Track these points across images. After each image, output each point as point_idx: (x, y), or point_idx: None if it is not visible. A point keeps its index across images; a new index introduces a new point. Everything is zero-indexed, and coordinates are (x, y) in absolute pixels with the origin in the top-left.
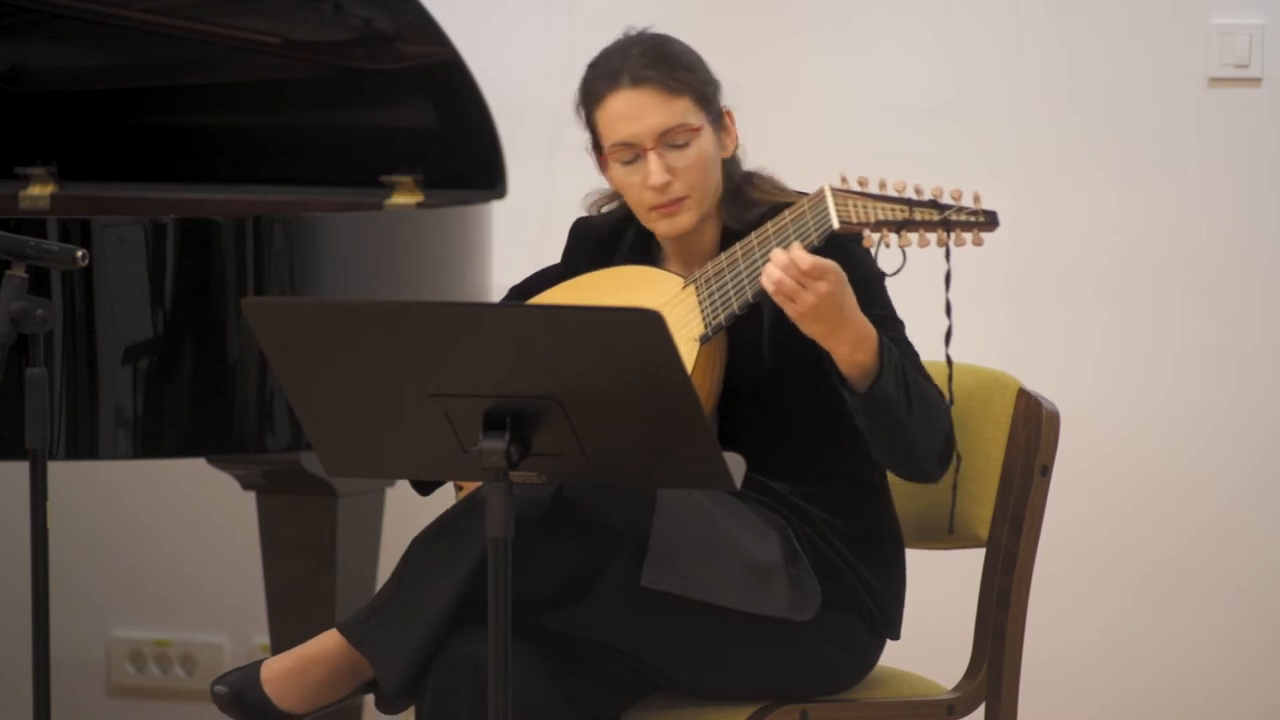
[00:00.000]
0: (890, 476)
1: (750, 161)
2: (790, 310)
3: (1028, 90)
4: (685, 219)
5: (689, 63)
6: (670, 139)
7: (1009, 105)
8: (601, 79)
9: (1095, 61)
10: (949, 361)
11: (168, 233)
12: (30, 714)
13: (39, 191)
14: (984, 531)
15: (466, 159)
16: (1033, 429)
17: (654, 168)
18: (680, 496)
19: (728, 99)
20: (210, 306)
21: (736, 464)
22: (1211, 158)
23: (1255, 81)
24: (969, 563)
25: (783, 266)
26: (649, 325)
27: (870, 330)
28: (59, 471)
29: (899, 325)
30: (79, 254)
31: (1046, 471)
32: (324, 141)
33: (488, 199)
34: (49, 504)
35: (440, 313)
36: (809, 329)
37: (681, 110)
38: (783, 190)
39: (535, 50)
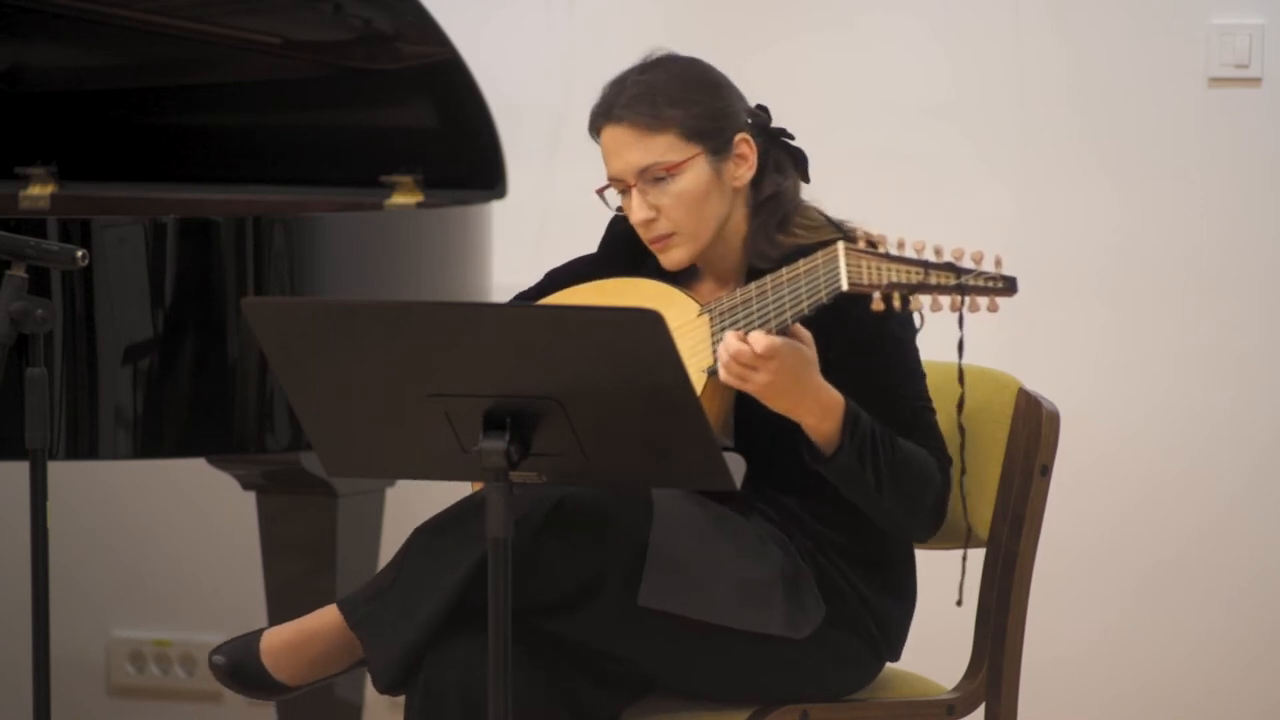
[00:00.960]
0: None
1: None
2: (744, 389)
3: (1028, 90)
4: (676, 254)
5: (682, 94)
6: (649, 175)
7: (1009, 105)
8: (597, 113)
9: (1095, 61)
10: (961, 431)
11: (168, 233)
12: (30, 714)
13: (39, 191)
14: (984, 531)
15: (466, 159)
16: (1033, 429)
17: (635, 205)
18: (678, 510)
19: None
20: (210, 306)
21: (736, 464)
22: (1211, 158)
23: (1255, 81)
24: (969, 563)
25: (733, 354)
26: (649, 325)
27: (837, 402)
28: (59, 471)
29: (918, 379)
30: (79, 254)
31: (1046, 471)
32: (324, 141)
33: (488, 199)
34: (49, 504)
35: (440, 313)
36: (770, 405)
37: (661, 148)
38: (816, 228)
39: (535, 50)
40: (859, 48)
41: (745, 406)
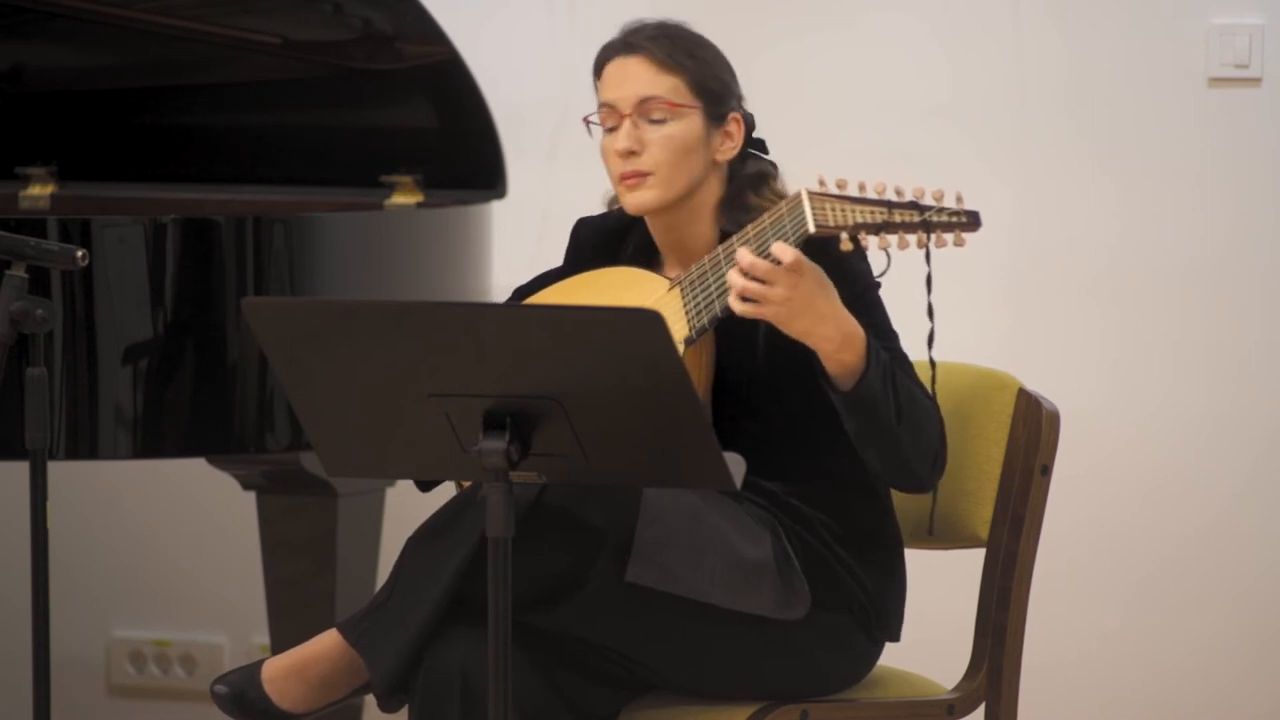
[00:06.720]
0: None
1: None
2: (761, 313)
3: (1028, 90)
4: (646, 195)
5: (698, 52)
6: (647, 111)
7: (1009, 105)
8: (609, 49)
9: (1095, 61)
10: (932, 364)
11: (168, 233)
12: (30, 714)
13: (39, 191)
14: (984, 531)
15: (466, 159)
16: (1033, 429)
17: (622, 133)
18: (668, 495)
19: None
20: (210, 306)
21: (736, 464)
22: (1211, 158)
23: (1255, 81)
24: (969, 563)
25: (747, 266)
26: (649, 325)
27: (857, 330)
28: (59, 471)
29: (892, 336)
30: (79, 254)
31: (1046, 471)
32: (324, 141)
33: (488, 199)
34: (49, 504)
35: (440, 313)
36: (787, 328)
37: (667, 86)
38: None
39: (535, 50)
40: (859, 48)
41: (722, 401)
